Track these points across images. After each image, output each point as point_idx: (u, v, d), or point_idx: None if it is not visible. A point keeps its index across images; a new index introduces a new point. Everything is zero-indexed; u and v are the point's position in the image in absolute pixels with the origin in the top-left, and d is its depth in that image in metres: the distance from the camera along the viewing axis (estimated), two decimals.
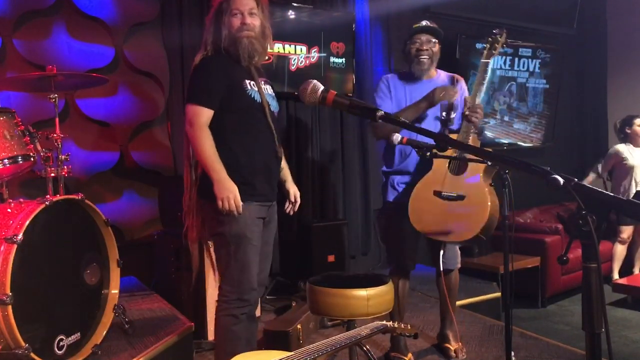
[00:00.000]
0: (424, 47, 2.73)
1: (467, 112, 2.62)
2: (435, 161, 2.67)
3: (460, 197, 2.55)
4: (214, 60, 2.22)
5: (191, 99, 2.16)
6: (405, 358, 2.80)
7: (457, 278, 2.93)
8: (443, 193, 2.59)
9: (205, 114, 2.13)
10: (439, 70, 2.89)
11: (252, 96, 2.23)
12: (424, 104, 2.65)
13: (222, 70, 2.20)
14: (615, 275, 4.95)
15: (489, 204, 2.52)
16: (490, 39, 2.67)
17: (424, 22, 2.80)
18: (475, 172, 2.58)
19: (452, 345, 2.88)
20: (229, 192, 2.06)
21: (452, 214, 2.58)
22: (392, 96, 2.81)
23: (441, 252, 2.76)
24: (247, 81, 2.24)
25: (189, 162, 2.22)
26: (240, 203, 2.09)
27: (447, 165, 2.64)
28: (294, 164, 4.34)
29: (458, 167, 2.62)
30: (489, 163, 2.45)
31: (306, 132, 4.40)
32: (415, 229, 2.66)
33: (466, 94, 2.85)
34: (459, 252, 2.92)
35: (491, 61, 2.67)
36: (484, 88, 2.72)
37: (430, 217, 2.63)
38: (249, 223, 2.15)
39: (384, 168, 2.87)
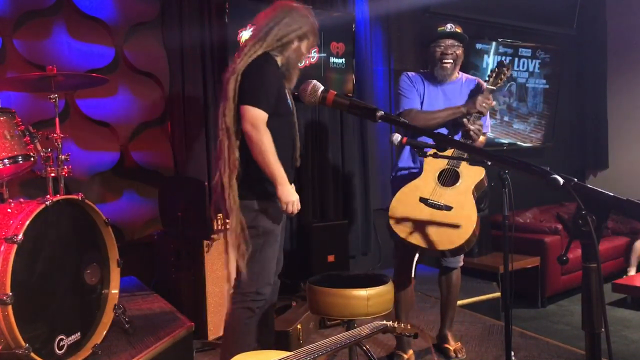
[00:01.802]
0: (449, 52, 2.73)
1: (467, 127, 2.63)
2: (426, 169, 2.64)
3: (448, 208, 2.51)
4: (273, 65, 2.31)
5: (254, 102, 2.19)
6: (406, 355, 2.81)
7: (458, 277, 2.93)
8: (429, 201, 2.54)
9: (265, 118, 2.19)
10: (462, 73, 2.89)
11: (289, 103, 2.36)
12: (463, 109, 2.66)
13: (277, 75, 2.32)
14: (632, 272, 4.97)
15: (476, 219, 2.48)
16: (496, 69, 2.69)
17: (449, 26, 2.78)
18: (467, 186, 2.56)
19: (452, 345, 2.88)
20: (294, 197, 2.23)
21: (435, 223, 2.52)
22: (417, 91, 2.81)
23: (415, 258, 2.68)
24: (286, 88, 2.37)
25: (228, 164, 2.23)
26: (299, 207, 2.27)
27: (436, 175, 2.60)
28: None
29: (449, 179, 2.59)
30: (489, 163, 2.44)
31: (306, 132, 4.40)
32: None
33: None
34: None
35: (495, 88, 2.69)
36: (487, 111, 2.74)
37: (410, 223, 2.56)
38: (278, 220, 2.30)
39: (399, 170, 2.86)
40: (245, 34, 3.90)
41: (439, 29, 2.79)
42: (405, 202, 2.60)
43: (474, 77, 2.92)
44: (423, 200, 2.55)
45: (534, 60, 5.66)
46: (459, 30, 2.79)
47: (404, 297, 2.82)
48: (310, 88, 1.37)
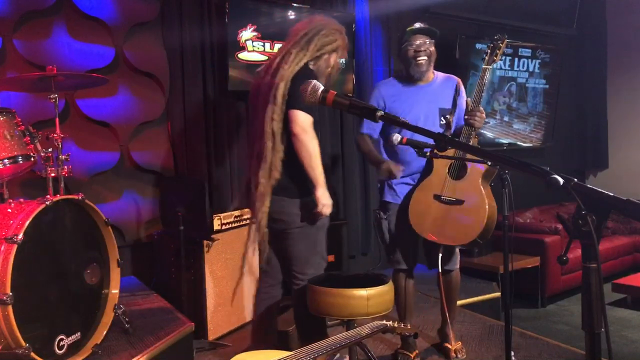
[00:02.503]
0: (422, 49, 2.73)
1: (467, 116, 2.65)
2: (436, 165, 2.68)
3: (459, 202, 2.57)
4: (314, 71, 2.49)
5: (305, 108, 2.33)
6: (411, 355, 2.81)
7: (457, 278, 2.94)
8: (443, 197, 2.61)
9: (312, 122, 2.36)
10: (436, 73, 2.89)
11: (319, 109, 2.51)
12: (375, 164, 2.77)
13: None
14: None
15: (487, 208, 2.54)
16: (491, 44, 2.69)
17: (417, 25, 2.80)
18: (474, 176, 2.59)
19: (452, 345, 2.89)
20: (330, 201, 2.41)
21: (451, 217, 2.60)
22: (384, 107, 2.81)
23: (440, 254, 2.77)
24: None
25: (271, 166, 2.37)
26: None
27: (446, 169, 2.65)
28: None
29: (457, 171, 2.64)
30: (489, 163, 2.45)
31: None
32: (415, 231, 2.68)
33: (464, 95, 2.85)
34: (458, 253, 2.93)
35: (491, 67, 2.68)
36: (484, 93, 2.74)
37: (430, 221, 2.66)
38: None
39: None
40: (245, 34, 3.90)
41: (408, 28, 2.80)
42: (422, 202, 2.68)
43: (450, 76, 2.91)
44: (437, 197, 2.62)
45: (534, 60, 5.66)
46: (427, 26, 2.79)
47: (406, 299, 2.86)
48: (310, 88, 1.36)
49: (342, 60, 4.36)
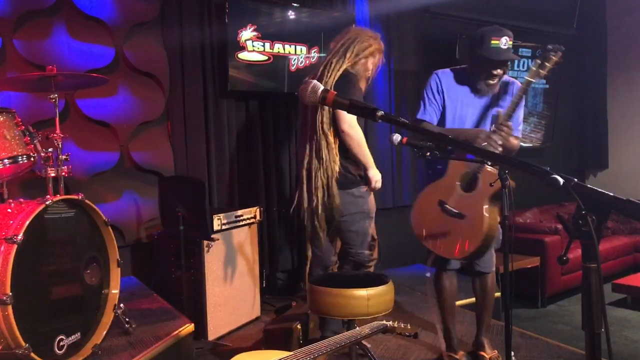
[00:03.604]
0: (500, 73, 2.55)
1: (494, 129, 2.47)
2: (451, 169, 2.53)
3: (460, 216, 2.42)
4: (355, 76, 2.83)
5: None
6: (457, 356, 2.78)
7: (493, 282, 2.81)
8: (446, 205, 2.46)
9: (357, 118, 2.72)
10: None
11: None
12: (465, 138, 2.53)
13: (358, 84, 2.84)
14: None
15: (484, 230, 2.37)
16: (543, 54, 2.39)
17: (504, 41, 2.48)
18: (483, 194, 2.40)
19: (488, 354, 2.81)
20: (379, 176, 2.81)
21: (448, 229, 2.46)
22: (442, 98, 2.66)
23: (430, 259, 2.70)
24: None
25: (329, 161, 2.75)
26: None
27: (460, 177, 2.48)
28: (294, 164, 4.34)
29: (468, 183, 2.46)
30: (489, 162, 2.42)
31: None
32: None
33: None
34: (494, 253, 2.76)
35: (535, 80, 2.44)
36: (522, 108, 2.59)
37: (428, 225, 2.54)
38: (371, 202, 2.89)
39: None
40: (245, 34, 3.90)
41: (494, 42, 2.47)
42: (427, 202, 2.56)
43: (510, 80, 2.70)
44: (441, 203, 2.47)
45: (534, 60, 5.65)
46: (512, 53, 2.54)
47: (450, 301, 2.80)
48: (310, 88, 1.36)
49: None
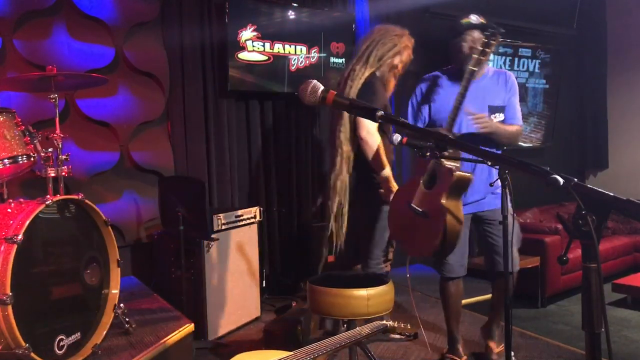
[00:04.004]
0: (477, 45, 2.43)
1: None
2: (417, 167, 2.51)
3: (424, 215, 2.36)
4: (378, 80, 2.87)
5: None
6: None
7: (514, 282, 2.66)
8: (411, 205, 2.41)
9: (376, 125, 2.75)
10: (488, 67, 2.70)
11: (390, 109, 3.06)
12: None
13: (382, 89, 2.88)
14: None
15: (442, 226, 2.30)
16: (486, 43, 2.36)
17: (473, 18, 2.57)
18: (441, 188, 2.34)
19: (495, 347, 2.84)
20: (388, 184, 2.77)
21: (414, 227, 2.43)
22: (422, 113, 2.71)
23: (407, 259, 2.79)
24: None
25: (344, 169, 2.84)
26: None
27: (426, 174, 2.42)
28: (294, 164, 4.34)
29: (428, 180, 2.41)
30: (489, 163, 2.41)
31: (306, 132, 4.40)
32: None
33: (515, 91, 2.65)
34: (517, 253, 2.68)
35: (477, 69, 2.38)
36: (516, 95, 2.57)
37: (399, 223, 2.53)
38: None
39: None
40: (245, 34, 3.90)
41: (463, 20, 2.58)
42: (397, 203, 2.55)
43: (501, 70, 2.71)
44: (407, 203, 2.43)
45: (534, 60, 5.66)
46: (484, 21, 2.55)
47: (457, 306, 2.81)
48: (310, 88, 1.36)
49: (342, 60, 4.43)
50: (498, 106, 2.62)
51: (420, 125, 2.72)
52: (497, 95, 2.64)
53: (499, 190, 2.52)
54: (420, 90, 2.76)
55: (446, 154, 2.10)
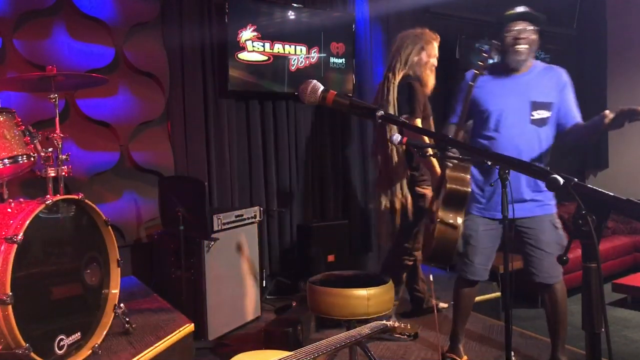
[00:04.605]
0: (522, 36, 2.45)
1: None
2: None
3: (431, 219, 2.38)
4: (413, 80, 3.08)
5: (410, 112, 3.00)
6: None
7: (563, 292, 2.65)
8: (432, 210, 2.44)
9: (418, 122, 2.98)
10: (536, 62, 2.59)
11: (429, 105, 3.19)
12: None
13: (419, 88, 3.07)
14: None
15: (436, 236, 2.25)
16: (485, 54, 2.48)
17: (518, 9, 2.52)
18: (441, 198, 2.32)
19: None
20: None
21: (427, 229, 2.48)
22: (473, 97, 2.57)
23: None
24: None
25: (396, 164, 3.08)
26: None
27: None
28: (294, 164, 4.34)
29: (437, 190, 2.42)
30: (489, 163, 2.40)
31: (306, 132, 4.40)
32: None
33: (569, 88, 2.58)
34: (556, 263, 2.57)
35: (474, 84, 2.44)
36: (570, 91, 2.52)
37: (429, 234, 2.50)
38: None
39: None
40: (245, 34, 3.90)
41: (507, 13, 2.53)
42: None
43: (552, 66, 2.62)
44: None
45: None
46: (530, 11, 2.51)
47: (467, 312, 2.79)
48: (310, 88, 1.36)
49: (342, 60, 4.44)
50: (543, 102, 2.51)
51: (454, 121, 2.62)
52: (542, 92, 2.52)
53: (543, 198, 2.56)
54: (462, 84, 2.64)
55: (449, 153, 2.12)
